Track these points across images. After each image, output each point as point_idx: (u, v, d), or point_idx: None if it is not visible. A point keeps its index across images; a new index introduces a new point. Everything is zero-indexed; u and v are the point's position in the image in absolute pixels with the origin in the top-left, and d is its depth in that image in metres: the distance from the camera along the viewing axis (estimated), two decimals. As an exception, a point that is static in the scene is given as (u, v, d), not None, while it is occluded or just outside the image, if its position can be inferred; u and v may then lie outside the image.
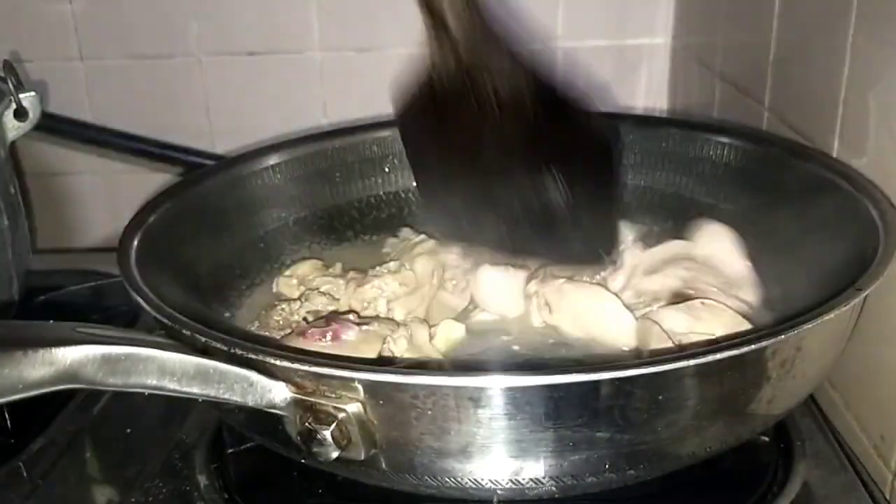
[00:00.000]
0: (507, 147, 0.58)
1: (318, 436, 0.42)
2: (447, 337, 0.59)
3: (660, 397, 0.42)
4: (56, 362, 0.39)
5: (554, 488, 0.45)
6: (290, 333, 0.56)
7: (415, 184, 0.67)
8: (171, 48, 0.97)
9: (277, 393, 0.43)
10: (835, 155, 0.61)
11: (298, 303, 0.63)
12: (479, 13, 0.58)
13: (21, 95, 0.71)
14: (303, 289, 0.65)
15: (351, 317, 0.58)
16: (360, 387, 0.41)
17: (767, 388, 0.46)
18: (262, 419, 0.45)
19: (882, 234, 0.51)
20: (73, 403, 0.63)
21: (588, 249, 0.60)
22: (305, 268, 0.67)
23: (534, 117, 0.58)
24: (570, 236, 0.58)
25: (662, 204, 0.73)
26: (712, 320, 0.54)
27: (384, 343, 0.54)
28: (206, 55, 0.97)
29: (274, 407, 0.43)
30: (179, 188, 0.65)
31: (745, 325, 0.53)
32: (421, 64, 0.60)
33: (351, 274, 0.65)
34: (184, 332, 0.45)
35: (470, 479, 0.44)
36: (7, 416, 0.62)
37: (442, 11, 0.57)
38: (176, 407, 0.62)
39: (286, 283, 0.66)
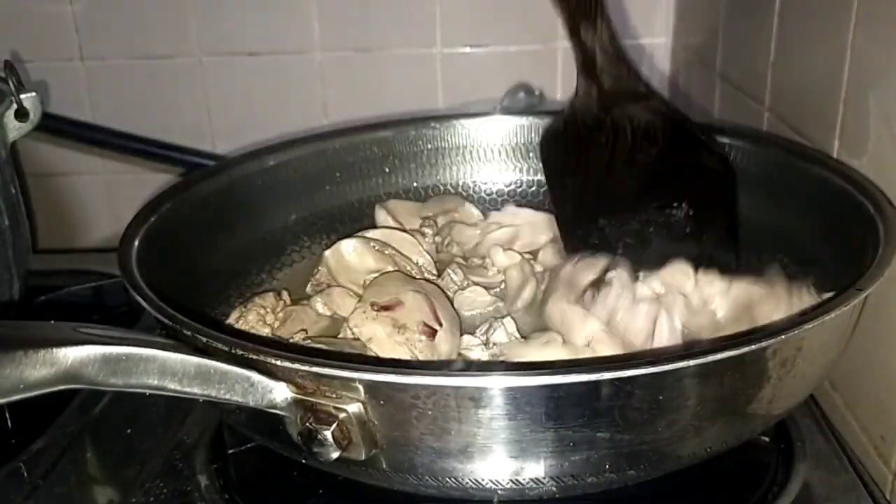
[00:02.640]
0: (638, 173, 0.61)
1: (319, 436, 0.42)
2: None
3: (660, 397, 0.42)
4: (57, 362, 0.39)
5: (554, 488, 0.45)
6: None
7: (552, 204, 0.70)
8: (172, 48, 0.97)
9: (278, 393, 0.43)
10: (835, 155, 0.61)
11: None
12: (621, 46, 0.64)
13: (22, 96, 0.70)
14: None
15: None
16: (360, 387, 0.41)
17: (767, 388, 0.46)
18: (263, 419, 0.45)
19: (882, 234, 0.51)
20: (74, 404, 0.63)
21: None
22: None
23: (664, 147, 0.61)
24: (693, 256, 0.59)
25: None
26: None
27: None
28: (207, 55, 0.97)
29: (275, 407, 0.43)
30: (180, 188, 0.65)
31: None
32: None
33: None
34: (184, 332, 0.45)
35: (470, 479, 0.44)
36: (7, 416, 0.62)
37: (592, 47, 0.64)
38: (176, 407, 0.62)
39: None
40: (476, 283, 0.64)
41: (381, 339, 0.53)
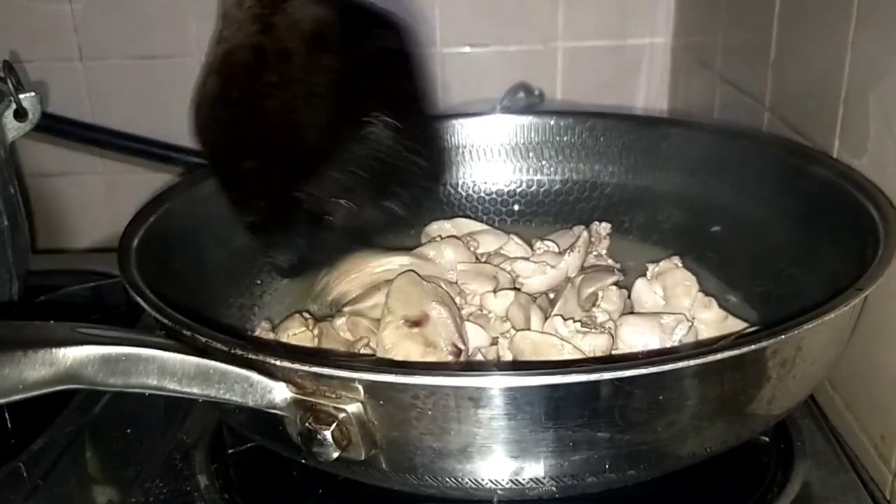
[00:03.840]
0: (319, 105, 0.51)
1: (319, 436, 0.42)
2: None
3: (660, 397, 0.42)
4: (56, 363, 0.39)
5: (554, 488, 0.45)
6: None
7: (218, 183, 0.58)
8: (172, 48, 0.97)
9: (278, 393, 0.43)
10: (835, 155, 0.61)
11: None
12: None
13: (21, 96, 0.70)
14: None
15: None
16: (360, 387, 0.41)
17: (767, 388, 0.46)
18: (263, 419, 0.45)
19: (882, 234, 0.51)
20: (74, 404, 0.63)
21: (430, 177, 0.55)
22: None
23: (338, 47, 0.51)
24: (413, 171, 0.53)
25: (662, 204, 0.73)
26: None
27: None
28: (207, 55, 0.97)
29: (274, 407, 0.43)
30: (180, 188, 0.65)
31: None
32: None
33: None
34: (184, 332, 0.45)
35: (470, 479, 0.44)
36: (7, 416, 0.62)
37: None
38: (176, 407, 0.62)
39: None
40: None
41: (413, 356, 0.53)
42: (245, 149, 0.54)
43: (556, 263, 0.65)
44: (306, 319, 0.60)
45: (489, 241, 0.70)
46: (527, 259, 0.66)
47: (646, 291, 0.61)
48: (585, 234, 0.68)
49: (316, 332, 0.59)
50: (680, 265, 0.62)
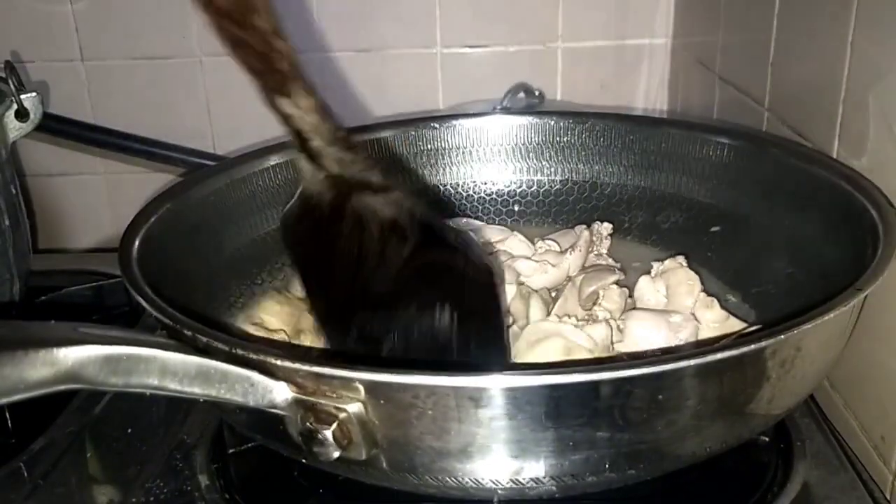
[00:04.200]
0: (391, 270, 0.53)
1: (319, 436, 0.42)
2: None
3: (660, 397, 0.42)
4: (57, 363, 0.39)
5: (554, 488, 0.45)
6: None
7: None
8: (172, 48, 0.97)
9: (278, 393, 0.43)
10: (835, 155, 0.61)
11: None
12: (339, 126, 0.55)
13: (22, 96, 0.71)
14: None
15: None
16: (361, 387, 0.41)
17: (767, 388, 0.46)
18: (263, 419, 0.45)
19: (882, 234, 0.51)
20: (74, 404, 0.63)
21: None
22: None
23: (417, 245, 0.53)
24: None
25: (662, 204, 0.73)
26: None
27: None
28: (207, 55, 0.98)
29: (275, 407, 0.43)
30: (180, 189, 0.65)
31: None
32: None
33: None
34: (185, 332, 0.45)
35: (470, 479, 0.44)
36: (7, 416, 0.62)
37: (299, 124, 0.53)
38: (177, 407, 0.63)
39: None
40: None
41: None
42: (319, 266, 0.56)
43: (557, 262, 0.65)
44: (288, 299, 0.61)
45: (494, 234, 0.71)
46: (528, 258, 0.66)
47: (649, 289, 0.62)
48: (587, 233, 0.68)
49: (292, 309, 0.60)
50: (685, 264, 0.62)
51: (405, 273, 0.52)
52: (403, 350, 0.50)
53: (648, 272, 0.63)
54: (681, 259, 0.63)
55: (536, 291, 0.62)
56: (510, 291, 0.60)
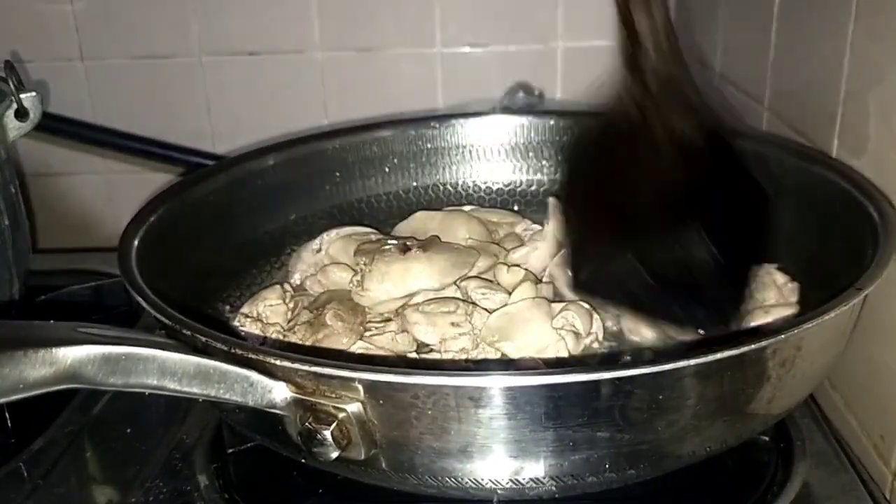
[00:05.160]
0: (668, 193, 0.53)
1: (319, 436, 0.42)
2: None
3: (660, 397, 0.42)
4: (57, 362, 0.39)
5: (554, 488, 0.45)
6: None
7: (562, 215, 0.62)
8: (172, 48, 0.97)
9: (277, 393, 0.43)
10: (835, 155, 0.61)
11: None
12: (677, 44, 0.55)
13: (22, 95, 0.71)
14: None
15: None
16: (360, 387, 0.41)
17: (767, 388, 0.46)
18: (263, 419, 0.45)
19: (882, 234, 0.51)
20: (74, 404, 0.63)
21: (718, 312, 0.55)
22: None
23: (704, 164, 0.54)
24: (706, 298, 0.53)
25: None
26: None
27: None
28: (207, 55, 0.98)
29: (274, 407, 0.43)
30: (180, 188, 0.65)
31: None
32: (608, 91, 0.58)
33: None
34: (184, 331, 0.45)
35: (470, 479, 0.44)
36: (7, 416, 0.62)
37: (644, 39, 0.54)
38: (176, 407, 0.62)
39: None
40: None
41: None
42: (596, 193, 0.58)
43: (542, 238, 0.66)
44: (285, 292, 0.61)
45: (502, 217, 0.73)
46: (518, 247, 0.67)
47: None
48: (553, 200, 0.68)
49: (291, 304, 0.61)
50: None
51: (680, 202, 0.53)
52: (652, 278, 0.51)
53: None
54: None
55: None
56: (518, 274, 0.62)
